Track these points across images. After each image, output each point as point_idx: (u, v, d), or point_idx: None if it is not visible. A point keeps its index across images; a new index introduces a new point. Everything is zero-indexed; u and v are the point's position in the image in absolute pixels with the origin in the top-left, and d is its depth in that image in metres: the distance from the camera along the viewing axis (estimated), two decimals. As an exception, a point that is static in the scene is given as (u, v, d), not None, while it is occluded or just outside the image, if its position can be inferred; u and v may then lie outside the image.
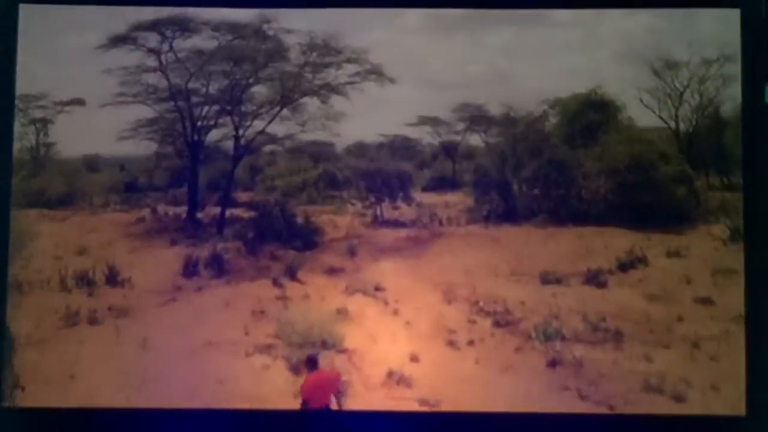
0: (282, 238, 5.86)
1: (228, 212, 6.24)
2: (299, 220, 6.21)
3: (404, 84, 6.00)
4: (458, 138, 6.68)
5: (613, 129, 6.44)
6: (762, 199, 4.71)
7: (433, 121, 6.53)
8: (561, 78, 5.69)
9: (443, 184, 6.94)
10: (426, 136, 6.65)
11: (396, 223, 6.39)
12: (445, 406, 4.66)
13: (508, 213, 6.27)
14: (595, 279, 5.46)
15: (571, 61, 5.67)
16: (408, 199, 6.58)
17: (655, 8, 5.23)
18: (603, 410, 4.59)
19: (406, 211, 6.55)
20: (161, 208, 6.32)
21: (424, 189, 6.84)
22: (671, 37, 5.47)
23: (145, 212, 6.29)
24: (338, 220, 6.35)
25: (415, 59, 5.76)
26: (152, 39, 5.92)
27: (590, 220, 6.14)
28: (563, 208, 6.18)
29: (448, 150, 6.94)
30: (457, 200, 6.56)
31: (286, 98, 6.11)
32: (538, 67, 5.68)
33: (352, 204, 6.60)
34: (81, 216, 5.98)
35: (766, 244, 4.72)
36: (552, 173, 6.24)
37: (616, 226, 6.12)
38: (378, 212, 6.48)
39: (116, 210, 6.25)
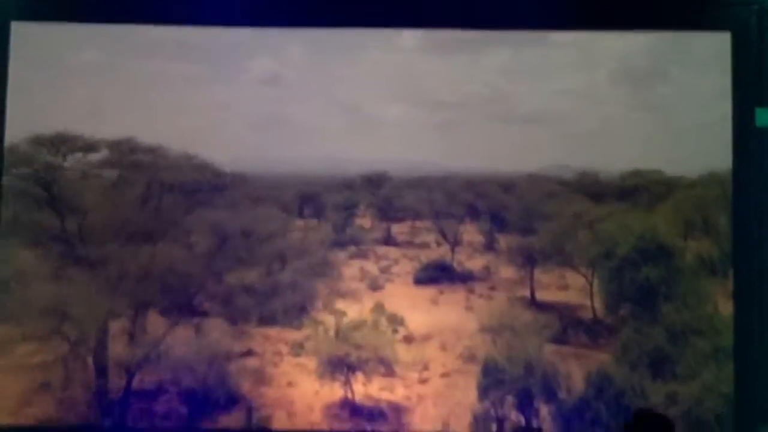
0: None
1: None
2: (246, 387, 4.70)
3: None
4: (458, 225, 5.76)
5: (676, 294, 4.63)
6: (754, 224, 4.36)
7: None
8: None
9: (440, 275, 5.57)
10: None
11: (370, 415, 4.62)
12: None
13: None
14: None
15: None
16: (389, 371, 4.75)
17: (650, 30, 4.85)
18: None
19: (384, 384, 4.77)
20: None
21: (417, 281, 5.52)
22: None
23: (65, 349, 4.95)
24: (297, 384, 4.75)
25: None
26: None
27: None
28: (616, 457, 4.06)
29: (446, 235, 5.76)
30: (457, 321, 5.18)
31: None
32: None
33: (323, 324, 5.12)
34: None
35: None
36: (602, 408, 4.00)
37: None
38: (348, 391, 4.72)
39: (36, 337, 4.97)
